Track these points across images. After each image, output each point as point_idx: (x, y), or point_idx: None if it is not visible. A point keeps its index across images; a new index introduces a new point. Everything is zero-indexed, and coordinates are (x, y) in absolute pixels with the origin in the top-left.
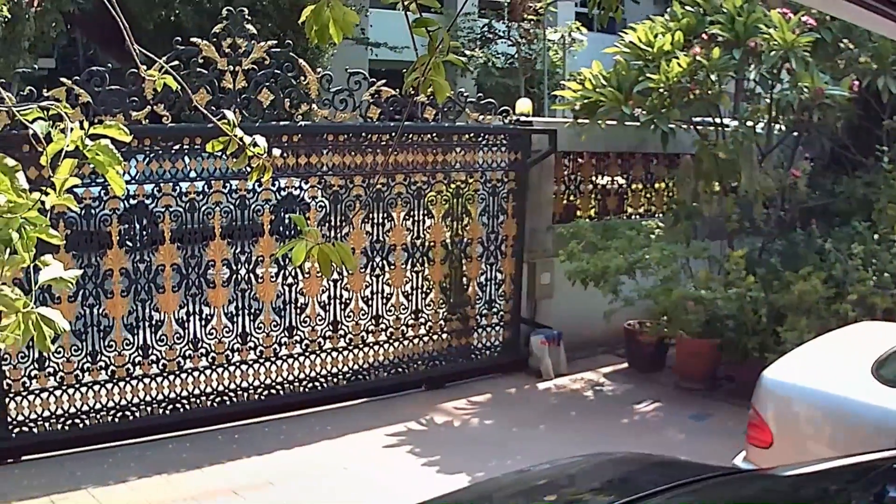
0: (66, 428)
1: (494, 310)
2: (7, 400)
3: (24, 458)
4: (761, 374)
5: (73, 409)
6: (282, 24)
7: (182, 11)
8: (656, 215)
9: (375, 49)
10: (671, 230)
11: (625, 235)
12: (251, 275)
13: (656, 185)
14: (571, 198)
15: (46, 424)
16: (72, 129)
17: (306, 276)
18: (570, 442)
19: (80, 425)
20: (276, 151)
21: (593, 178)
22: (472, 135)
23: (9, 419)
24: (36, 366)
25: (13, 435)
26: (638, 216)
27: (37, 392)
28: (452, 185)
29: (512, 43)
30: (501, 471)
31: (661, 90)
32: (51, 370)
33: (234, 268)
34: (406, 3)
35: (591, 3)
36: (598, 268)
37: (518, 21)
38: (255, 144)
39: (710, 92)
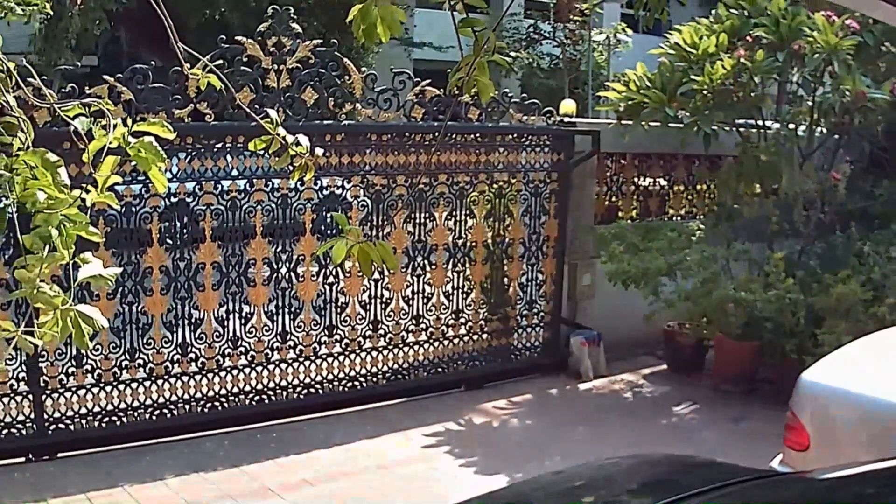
0: (104, 425)
1: (535, 310)
2: (44, 397)
3: (60, 455)
4: (799, 376)
5: (110, 407)
6: (327, 23)
7: (227, 10)
8: (697, 217)
9: (420, 49)
10: (712, 232)
11: (666, 237)
12: (292, 273)
13: (698, 187)
14: (613, 199)
15: (83, 422)
16: (114, 127)
17: (347, 275)
18: (608, 443)
19: (118, 423)
20: (319, 151)
21: (635, 180)
22: (515, 135)
23: (45, 416)
24: (73, 363)
25: (49, 432)
26: (679, 218)
27: (74, 389)
28: (495, 186)
29: (557, 44)
30: (540, 472)
31: (704, 92)
32: (88, 367)
33: (275, 266)
34: (452, 3)
35: (637, 5)
36: (639, 269)
37: (563, 22)
38: (298, 143)
39: (752, 94)
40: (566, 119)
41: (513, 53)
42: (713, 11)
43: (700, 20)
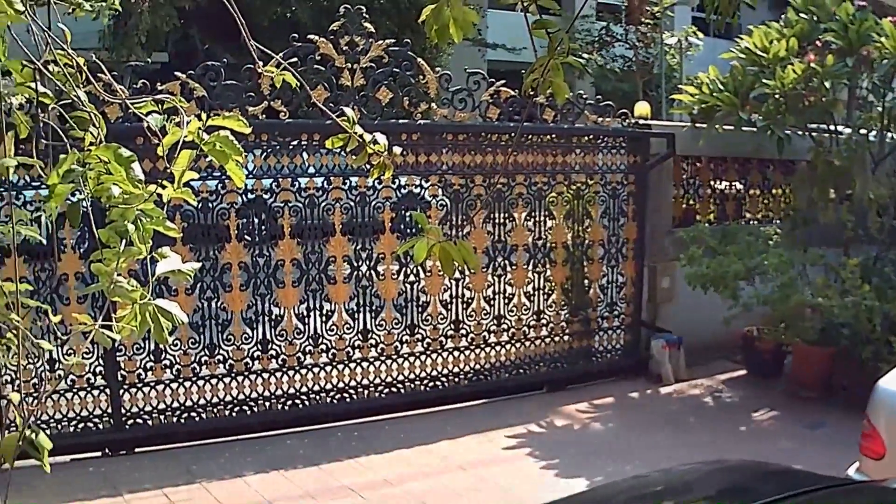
0: (182, 421)
1: (615, 313)
2: (121, 391)
3: (137, 450)
4: (875, 383)
5: (189, 403)
6: (399, 23)
7: (298, 8)
8: (774, 221)
9: (493, 50)
10: (788, 236)
11: (743, 241)
12: (372, 272)
13: (773, 191)
14: (690, 202)
15: (161, 417)
16: (188, 122)
17: (428, 274)
18: (687, 448)
19: (196, 419)
20: (397, 149)
21: (711, 183)
22: (591, 137)
23: (122, 410)
24: (152, 358)
25: (126, 426)
26: (756, 221)
27: (152, 384)
28: (573, 187)
29: (629, 46)
30: (620, 476)
31: (776, 96)
32: (167, 362)
33: (355, 264)
34: (526, 4)
35: (709, 8)
36: (718, 273)
37: (635, 25)
38: (375, 142)
39: (824, 99)
40: (641, 121)
41: (585, 55)
42: (783, 16)
43: (770, 24)
